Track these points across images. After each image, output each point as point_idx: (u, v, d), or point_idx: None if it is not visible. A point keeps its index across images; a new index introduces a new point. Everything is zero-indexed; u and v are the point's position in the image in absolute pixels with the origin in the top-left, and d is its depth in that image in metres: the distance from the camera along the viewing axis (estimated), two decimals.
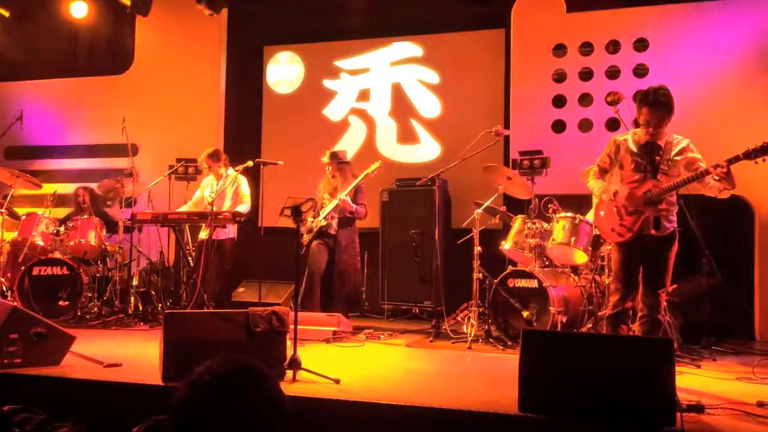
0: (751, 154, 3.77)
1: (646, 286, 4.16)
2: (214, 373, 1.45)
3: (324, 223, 6.26)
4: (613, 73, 6.98)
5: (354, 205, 6.27)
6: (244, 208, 6.54)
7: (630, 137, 4.23)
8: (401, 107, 8.25)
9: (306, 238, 6.28)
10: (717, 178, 3.83)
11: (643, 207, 4.08)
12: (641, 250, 4.15)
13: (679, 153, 4.11)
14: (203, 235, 6.52)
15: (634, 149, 4.17)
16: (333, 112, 8.50)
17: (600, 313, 5.13)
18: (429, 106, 8.15)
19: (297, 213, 4.36)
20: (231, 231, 6.60)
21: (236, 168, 6.59)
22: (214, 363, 1.48)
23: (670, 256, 4.12)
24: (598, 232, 5.10)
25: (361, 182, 6.39)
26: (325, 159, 6.52)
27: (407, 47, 8.26)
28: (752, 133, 6.44)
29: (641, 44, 6.89)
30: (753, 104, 6.45)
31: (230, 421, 1.40)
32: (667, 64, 6.75)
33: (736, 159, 3.78)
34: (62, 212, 7.68)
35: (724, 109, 6.52)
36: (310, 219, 6.26)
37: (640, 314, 4.18)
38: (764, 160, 3.74)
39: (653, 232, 4.08)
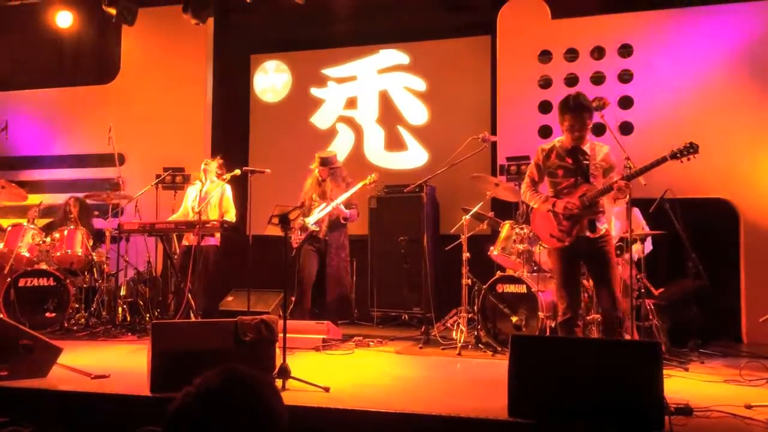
0: (677, 154, 3.94)
1: (598, 287, 4.32)
2: (214, 384, 1.40)
3: (316, 228, 6.22)
4: (598, 79, 7.04)
5: (347, 212, 6.24)
6: (230, 218, 6.52)
7: (556, 144, 4.37)
8: (389, 114, 8.26)
9: (295, 237, 6.23)
10: (622, 194, 3.97)
11: (580, 211, 4.17)
12: (580, 253, 4.28)
13: (603, 158, 4.27)
14: (186, 240, 6.48)
15: (563, 155, 4.29)
16: (321, 119, 8.50)
17: (588, 318, 5.15)
18: (416, 113, 8.17)
19: (285, 221, 4.35)
20: (214, 238, 6.57)
21: (223, 176, 6.56)
22: (213, 374, 1.43)
23: (610, 251, 4.24)
24: None
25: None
26: (314, 165, 6.41)
27: (394, 55, 8.29)
28: (735, 135, 6.53)
29: (626, 50, 6.95)
30: (736, 107, 6.53)
31: None
32: (651, 69, 6.83)
33: (663, 160, 3.96)
34: (47, 223, 7.59)
35: (708, 112, 6.59)
36: (300, 219, 6.20)
37: (600, 317, 4.33)
38: (689, 160, 3.91)
39: (589, 234, 4.21)
